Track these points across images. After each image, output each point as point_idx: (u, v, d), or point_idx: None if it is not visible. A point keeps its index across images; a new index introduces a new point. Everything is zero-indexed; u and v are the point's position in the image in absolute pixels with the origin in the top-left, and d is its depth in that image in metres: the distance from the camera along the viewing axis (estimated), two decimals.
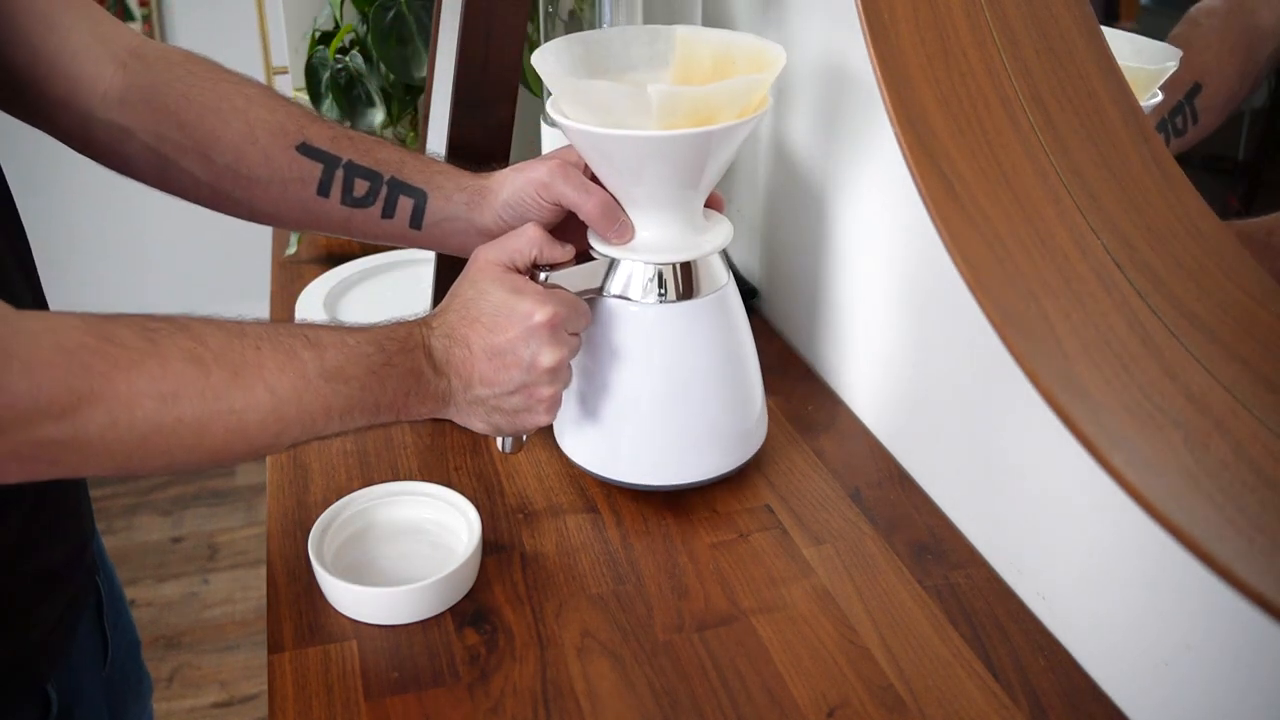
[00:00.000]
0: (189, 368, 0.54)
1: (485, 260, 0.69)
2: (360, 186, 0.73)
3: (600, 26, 0.90)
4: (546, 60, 0.70)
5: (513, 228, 0.73)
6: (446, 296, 0.70)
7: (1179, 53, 0.61)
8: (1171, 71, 0.60)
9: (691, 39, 0.74)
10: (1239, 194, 0.60)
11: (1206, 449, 0.46)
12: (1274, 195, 0.59)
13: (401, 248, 0.78)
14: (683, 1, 0.93)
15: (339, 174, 0.72)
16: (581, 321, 0.72)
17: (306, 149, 0.72)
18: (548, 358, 0.67)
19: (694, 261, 0.75)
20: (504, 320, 0.67)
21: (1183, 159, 0.58)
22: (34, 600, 0.65)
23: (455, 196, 0.74)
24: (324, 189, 0.73)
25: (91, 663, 0.74)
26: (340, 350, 0.61)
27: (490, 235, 0.74)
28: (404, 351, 0.64)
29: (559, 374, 0.69)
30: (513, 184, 0.73)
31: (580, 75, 0.72)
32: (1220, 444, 0.47)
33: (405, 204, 0.74)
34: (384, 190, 0.73)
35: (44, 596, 0.66)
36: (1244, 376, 0.49)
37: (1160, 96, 0.60)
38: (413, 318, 0.68)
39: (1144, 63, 0.58)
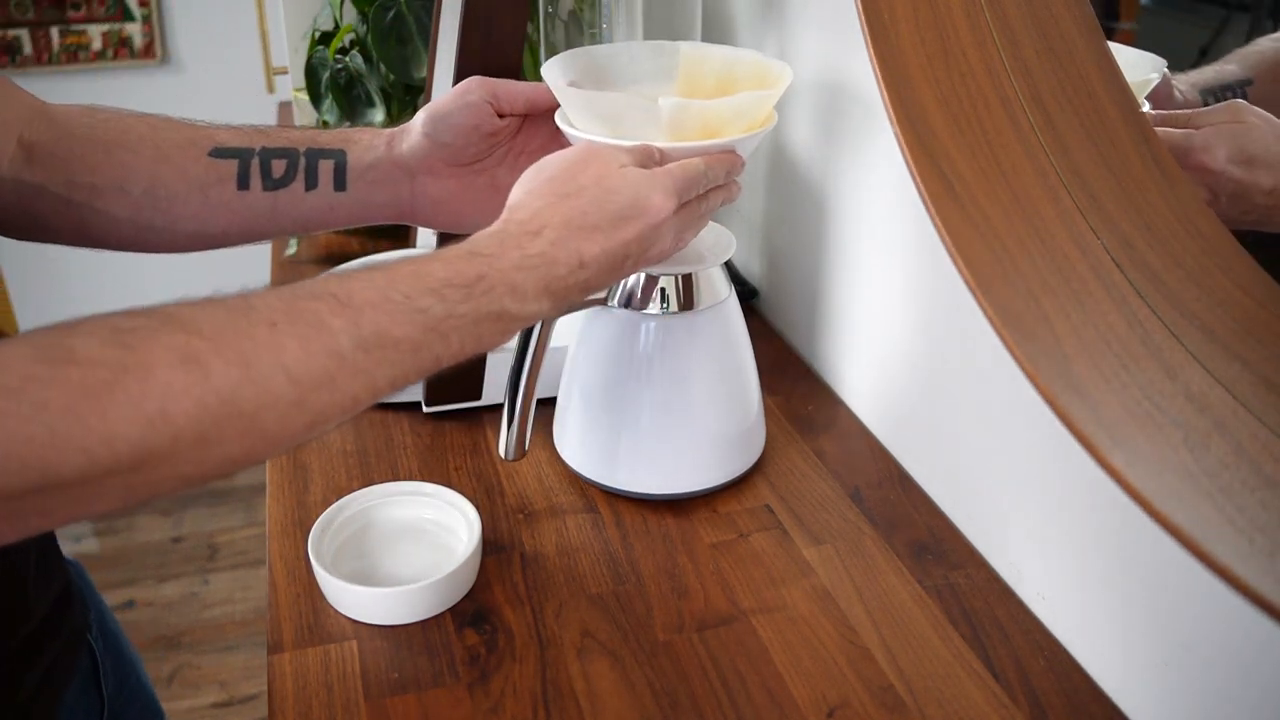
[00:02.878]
0: (180, 374, 0.43)
1: (595, 147, 0.62)
2: (278, 167, 0.70)
3: (600, 28, 0.90)
4: (554, 72, 0.70)
5: (446, 150, 0.70)
6: (535, 183, 0.60)
7: (1164, 63, 0.60)
8: (1155, 83, 0.60)
9: (696, 55, 0.74)
10: None
11: (1206, 449, 0.46)
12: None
13: (338, 227, 0.74)
14: (683, 3, 0.93)
15: (254, 162, 0.69)
16: (715, 174, 0.64)
17: (218, 151, 0.69)
18: (665, 244, 0.62)
19: (695, 274, 0.75)
20: (627, 222, 0.58)
21: None
22: (15, 666, 0.63)
23: (374, 144, 0.71)
24: (243, 181, 0.69)
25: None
26: (383, 310, 0.49)
27: (417, 170, 0.71)
28: (474, 298, 0.53)
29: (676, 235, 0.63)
30: (433, 103, 0.71)
31: (587, 87, 0.72)
32: (1220, 444, 0.47)
33: (325, 168, 0.70)
34: (302, 161, 0.70)
35: (24, 663, 0.64)
36: (1244, 376, 0.49)
37: (1147, 107, 0.60)
38: (491, 237, 0.56)
39: (1130, 75, 0.58)
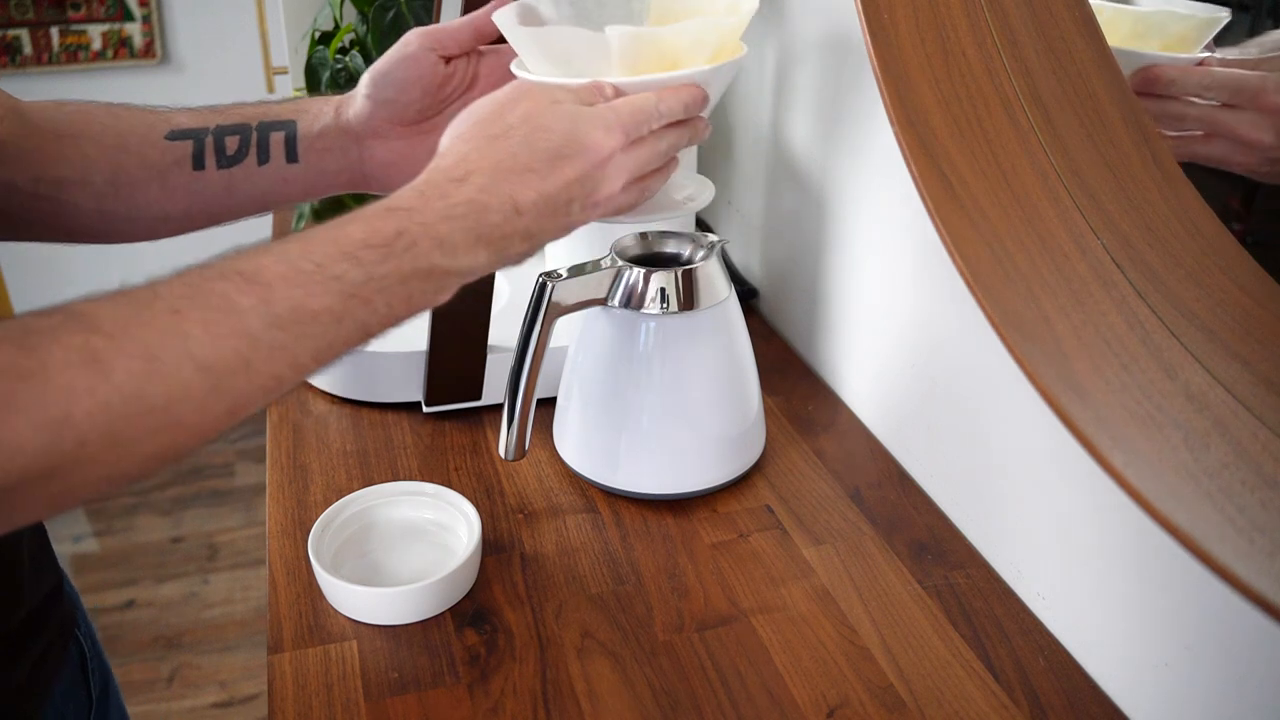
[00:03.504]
0: (81, 374, 0.40)
1: (526, 85, 0.58)
2: (231, 144, 0.68)
3: None
4: (508, 14, 0.65)
5: (390, 109, 0.68)
6: (463, 126, 0.57)
7: (1226, 10, 0.57)
8: (1225, 22, 0.57)
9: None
10: (1239, 194, 0.60)
11: (1206, 449, 0.46)
12: (1274, 195, 0.59)
13: (296, 201, 0.71)
14: None
15: (209, 140, 0.68)
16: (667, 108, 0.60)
17: (174, 134, 0.69)
18: (613, 185, 0.57)
19: (696, 273, 0.75)
20: (564, 161, 0.54)
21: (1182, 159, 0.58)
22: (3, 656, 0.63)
23: (324, 111, 0.70)
24: (198, 161, 0.68)
25: (76, 716, 0.73)
26: (295, 282, 0.46)
27: (364, 134, 0.69)
28: (395, 256, 0.49)
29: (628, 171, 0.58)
30: (375, 62, 0.69)
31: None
32: (1220, 444, 0.47)
33: (277, 140, 0.69)
34: (254, 136, 0.68)
35: (14, 652, 0.64)
36: (1244, 376, 0.49)
37: (1211, 52, 0.57)
38: (410, 190, 0.53)
39: (1198, 13, 0.56)
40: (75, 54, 2.55)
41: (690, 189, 0.71)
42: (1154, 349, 0.50)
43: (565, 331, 0.79)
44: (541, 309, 0.73)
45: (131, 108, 0.70)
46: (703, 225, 1.20)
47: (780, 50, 0.98)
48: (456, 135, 0.56)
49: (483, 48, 0.71)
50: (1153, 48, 0.59)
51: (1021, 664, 0.65)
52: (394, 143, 0.70)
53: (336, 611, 0.69)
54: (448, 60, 0.69)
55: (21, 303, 2.62)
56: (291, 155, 0.69)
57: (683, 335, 0.76)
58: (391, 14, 1.10)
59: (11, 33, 2.49)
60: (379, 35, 1.10)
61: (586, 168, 0.55)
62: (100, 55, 2.57)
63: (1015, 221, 0.55)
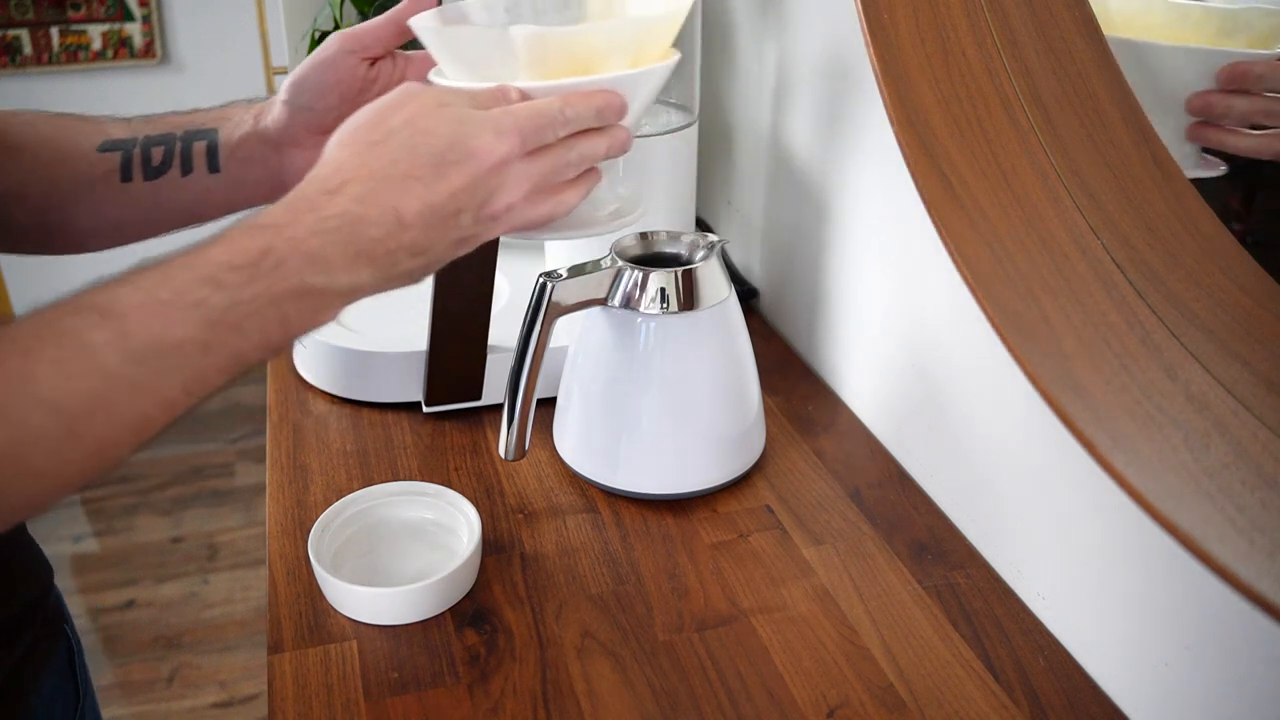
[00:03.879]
0: None
1: (414, 87, 0.54)
2: (157, 154, 0.66)
3: None
4: (427, 16, 0.61)
5: (308, 116, 0.65)
6: (343, 133, 0.52)
7: None
8: None
9: (607, 1, 0.65)
10: (1239, 194, 0.60)
11: (1206, 449, 0.46)
12: (1274, 195, 0.59)
13: (221, 213, 0.68)
14: None
15: (136, 152, 0.66)
16: (573, 116, 0.54)
17: (106, 145, 0.67)
18: (511, 195, 0.53)
19: (696, 273, 0.75)
20: (450, 167, 0.50)
21: None
22: None
23: (244, 118, 0.67)
24: (126, 173, 0.66)
25: (63, 713, 0.74)
26: (151, 312, 0.43)
27: (282, 143, 0.67)
28: (262, 277, 0.46)
29: (525, 180, 0.54)
30: (296, 68, 0.66)
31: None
32: (1220, 444, 0.47)
33: (200, 149, 0.66)
34: (178, 146, 0.66)
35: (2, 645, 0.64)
36: (1244, 376, 0.49)
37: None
38: (278, 204, 0.49)
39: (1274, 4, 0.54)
40: (75, 54, 2.55)
41: (617, 204, 0.65)
42: (1154, 349, 0.50)
43: (565, 331, 0.79)
44: (541, 309, 0.73)
45: (73, 118, 0.69)
46: (703, 225, 1.20)
47: (780, 50, 0.98)
48: (336, 142, 0.52)
49: (411, 52, 0.69)
50: (1240, 45, 0.57)
51: (1021, 664, 0.65)
52: (313, 152, 0.66)
53: (336, 611, 0.69)
54: (372, 62, 0.67)
55: (22, 302, 2.62)
56: (213, 165, 0.67)
57: (683, 335, 0.76)
58: None
59: (11, 33, 2.49)
60: None
61: (475, 174, 0.51)
62: (100, 55, 2.57)
63: (1015, 221, 0.55)
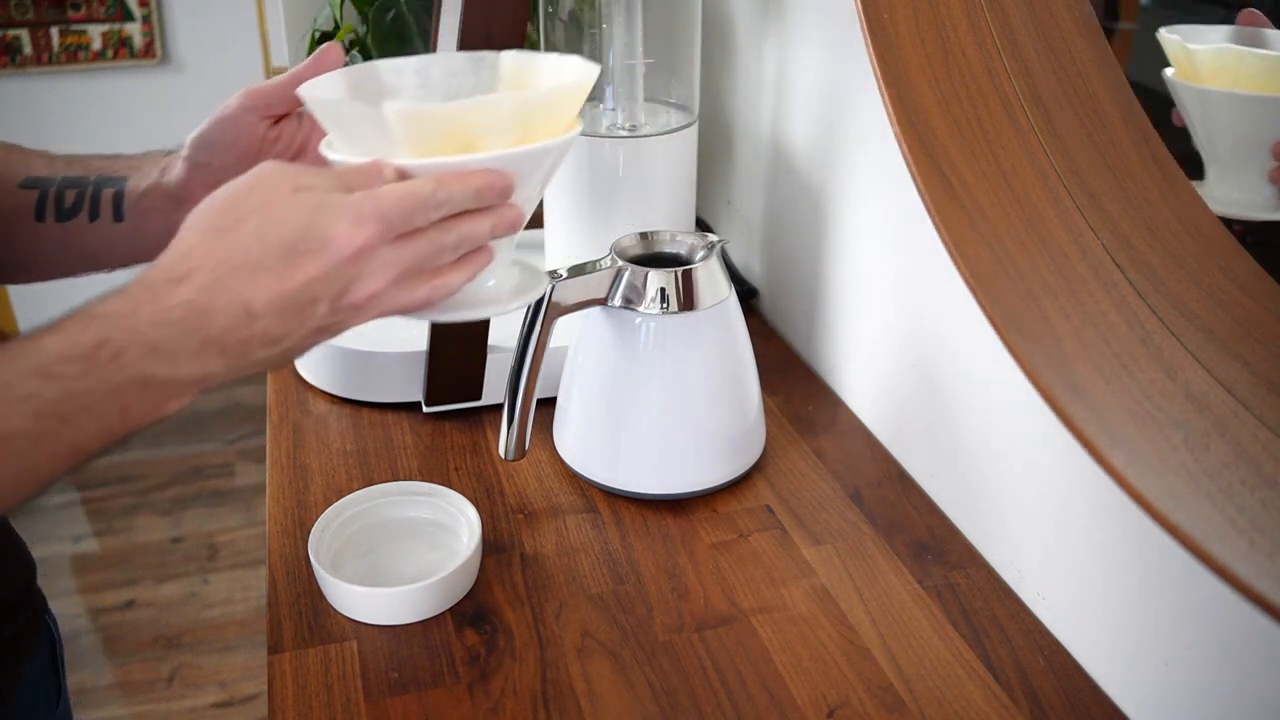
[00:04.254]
0: None
1: (273, 168, 0.51)
2: (69, 196, 0.66)
3: (600, 27, 0.91)
4: (324, 84, 0.58)
5: (207, 173, 0.63)
6: (196, 215, 0.50)
7: None
8: None
9: (521, 66, 0.62)
10: None
11: (1206, 449, 0.47)
12: None
13: (124, 263, 0.67)
14: (683, 2, 0.93)
15: (52, 192, 0.66)
16: (446, 197, 0.51)
17: (27, 181, 0.66)
18: (376, 283, 0.50)
19: (696, 273, 0.75)
20: (302, 257, 0.48)
21: (1182, 159, 0.58)
22: None
23: (152, 171, 0.66)
24: (40, 212, 0.65)
25: (45, 703, 0.74)
26: None
27: (182, 198, 0.64)
28: (98, 369, 0.45)
29: (396, 263, 0.51)
30: (202, 126, 0.64)
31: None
32: (1220, 444, 0.47)
33: (108, 196, 0.65)
34: (89, 190, 0.66)
35: None
36: (1244, 376, 0.49)
37: None
38: (118, 292, 0.47)
39: None
40: (75, 54, 2.55)
41: (518, 279, 0.62)
42: (1154, 349, 0.50)
43: (565, 331, 0.79)
44: (541, 309, 0.73)
45: (4, 149, 0.68)
46: (703, 225, 1.20)
47: (780, 50, 0.98)
48: (188, 225, 0.49)
49: None
50: None
51: (1021, 664, 0.65)
52: None
53: (336, 611, 0.69)
54: (276, 121, 0.64)
55: (23, 309, 2.62)
56: (118, 214, 0.66)
57: (683, 335, 0.76)
58: (391, 14, 1.10)
59: (11, 33, 2.49)
60: (379, 35, 1.10)
61: (330, 264, 0.48)
62: (100, 55, 2.57)
63: (1015, 221, 0.55)
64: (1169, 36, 0.57)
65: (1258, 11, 0.57)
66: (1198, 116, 0.58)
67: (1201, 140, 0.58)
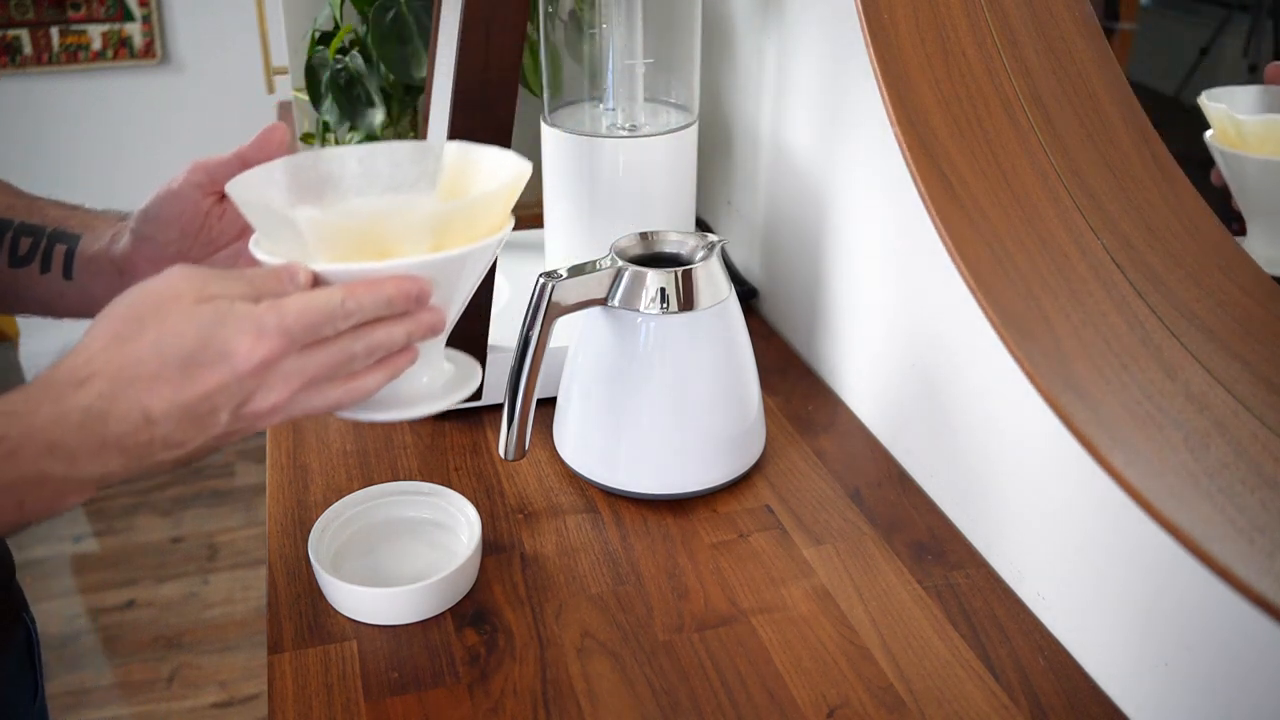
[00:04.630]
0: None
1: (180, 275, 0.51)
2: (24, 244, 0.66)
3: (600, 27, 0.91)
4: (256, 184, 0.58)
5: (151, 246, 0.64)
6: (103, 318, 0.50)
7: None
8: None
9: (463, 158, 0.62)
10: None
11: (1206, 449, 0.46)
12: None
13: (73, 316, 0.68)
14: (683, 2, 0.93)
15: (8, 236, 0.66)
16: (359, 303, 0.51)
17: None
18: (278, 395, 0.50)
19: (696, 273, 0.75)
20: (201, 370, 0.48)
21: (1182, 159, 0.58)
22: None
23: (105, 233, 0.67)
24: None
25: (23, 697, 0.74)
26: None
27: (125, 268, 0.65)
28: None
29: (295, 377, 0.51)
30: (149, 198, 0.65)
31: (333, 194, 0.61)
32: (1220, 444, 0.47)
33: (59, 252, 0.66)
34: (44, 242, 0.66)
35: None
36: (1244, 376, 0.49)
37: None
38: (21, 390, 0.48)
39: None
40: (75, 54, 2.55)
41: (444, 379, 0.61)
42: (1154, 349, 0.50)
43: (565, 331, 0.79)
44: (541, 309, 0.73)
45: None
46: (703, 225, 1.20)
47: (780, 50, 0.98)
48: (95, 328, 0.50)
49: None
50: None
51: (1021, 664, 0.65)
52: None
53: (336, 611, 0.69)
54: (221, 197, 0.64)
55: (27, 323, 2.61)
56: (68, 272, 0.67)
57: (683, 335, 0.76)
58: (391, 14, 1.10)
59: (11, 33, 2.49)
60: (379, 35, 1.10)
61: (229, 378, 0.49)
62: (100, 55, 2.57)
63: (1015, 221, 0.55)
64: (1213, 106, 0.58)
65: None
66: (1241, 179, 0.59)
67: (1243, 199, 0.59)
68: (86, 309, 0.67)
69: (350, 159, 0.62)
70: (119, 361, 0.48)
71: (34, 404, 0.47)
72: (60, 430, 0.46)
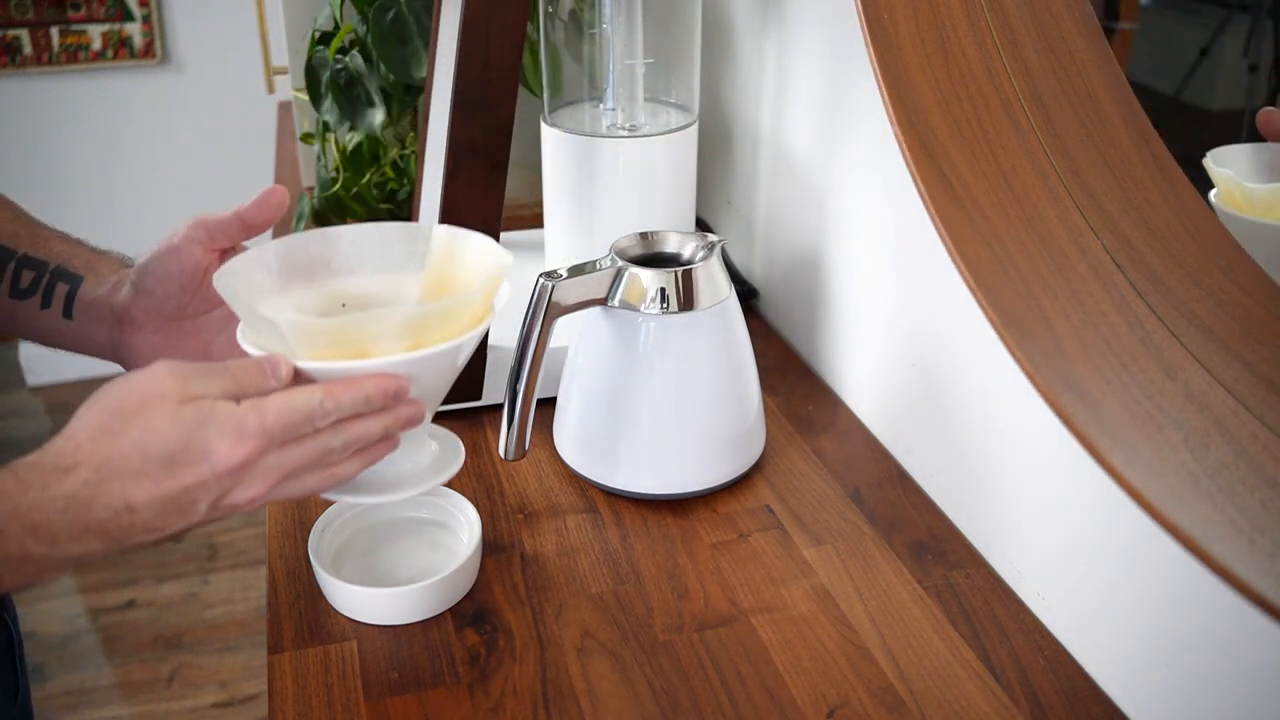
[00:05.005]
0: None
1: (165, 373, 0.52)
2: (26, 277, 0.68)
3: (600, 27, 0.90)
4: (245, 269, 0.60)
5: (149, 300, 0.66)
6: (89, 408, 0.52)
7: None
8: None
9: (450, 241, 0.65)
10: None
11: (1206, 449, 0.46)
12: None
13: (68, 351, 0.70)
14: (683, 2, 0.93)
15: (11, 267, 0.68)
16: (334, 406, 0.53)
17: None
18: (256, 489, 0.53)
19: (696, 273, 0.75)
20: (181, 468, 0.50)
21: (1182, 159, 0.58)
22: None
23: (108, 279, 0.68)
24: None
25: (2, 698, 0.74)
26: None
27: (123, 318, 0.67)
28: None
29: (273, 475, 0.53)
30: (150, 252, 0.66)
31: (323, 274, 0.64)
32: (1220, 444, 0.47)
33: (61, 290, 0.68)
34: (46, 279, 0.68)
35: None
36: (1244, 376, 0.49)
37: None
38: (9, 471, 0.50)
39: None
40: (75, 54, 2.55)
41: (428, 460, 0.65)
42: (1154, 349, 0.50)
43: (565, 331, 0.79)
44: (541, 309, 0.73)
45: None
46: (703, 225, 1.20)
47: (780, 50, 0.98)
48: (83, 416, 0.52)
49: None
50: None
51: (1021, 664, 0.65)
52: (149, 335, 0.67)
53: (336, 611, 0.69)
54: (222, 253, 0.66)
55: None
56: (68, 311, 0.68)
57: (683, 335, 0.76)
58: (391, 14, 1.10)
59: (11, 33, 2.49)
60: (379, 35, 1.10)
61: (208, 475, 0.51)
62: (100, 55, 2.57)
63: (1015, 221, 0.55)
64: (1220, 171, 0.58)
65: (1276, 110, 0.58)
66: (1250, 243, 0.59)
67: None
68: (82, 348, 0.69)
69: (340, 240, 0.64)
70: (104, 453, 0.50)
71: (22, 487, 0.49)
72: (45, 514, 0.48)
